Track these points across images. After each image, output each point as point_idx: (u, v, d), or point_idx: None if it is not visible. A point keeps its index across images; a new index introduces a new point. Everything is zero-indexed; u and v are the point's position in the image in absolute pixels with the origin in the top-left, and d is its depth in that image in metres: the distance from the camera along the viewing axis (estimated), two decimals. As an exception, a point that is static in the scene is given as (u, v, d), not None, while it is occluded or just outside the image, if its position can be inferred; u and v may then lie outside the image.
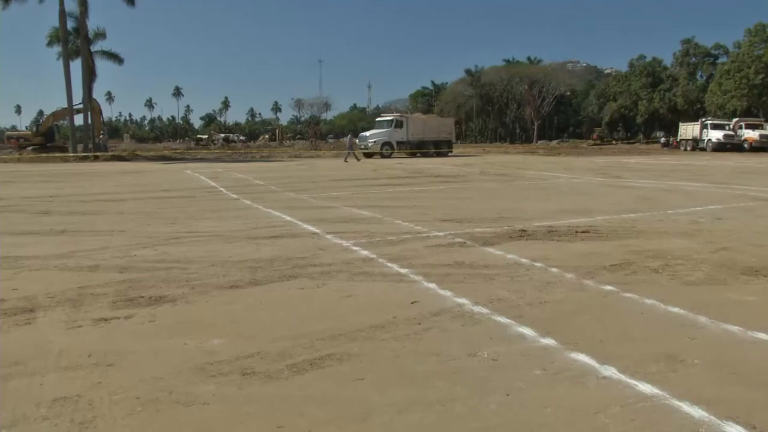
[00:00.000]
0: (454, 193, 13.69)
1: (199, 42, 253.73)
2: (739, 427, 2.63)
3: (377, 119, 45.24)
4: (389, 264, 5.82)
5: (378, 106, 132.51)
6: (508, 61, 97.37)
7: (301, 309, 4.42)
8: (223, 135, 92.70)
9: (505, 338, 3.76)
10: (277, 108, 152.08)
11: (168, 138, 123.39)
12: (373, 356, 3.48)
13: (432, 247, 6.67)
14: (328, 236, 7.41)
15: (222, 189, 15.03)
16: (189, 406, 2.86)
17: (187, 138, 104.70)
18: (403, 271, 5.53)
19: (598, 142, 72.39)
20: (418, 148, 40.88)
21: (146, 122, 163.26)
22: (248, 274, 5.45)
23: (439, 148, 41.68)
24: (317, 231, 7.81)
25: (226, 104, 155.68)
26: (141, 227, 8.36)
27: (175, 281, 5.19)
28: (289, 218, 9.12)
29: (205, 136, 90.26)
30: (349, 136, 37.75)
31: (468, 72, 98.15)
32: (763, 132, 47.50)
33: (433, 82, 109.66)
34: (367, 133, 41.71)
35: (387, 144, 39.40)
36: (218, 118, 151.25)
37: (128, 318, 4.21)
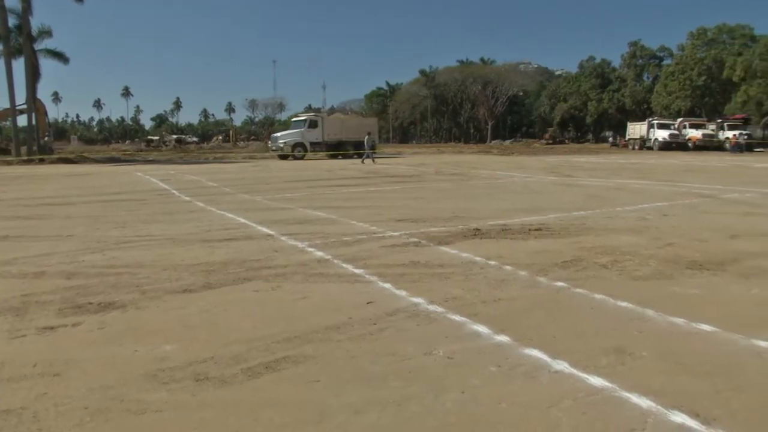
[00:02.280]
0: (409, 193, 13.77)
1: (149, 41, 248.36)
2: (684, 415, 2.72)
3: (292, 119, 43.93)
4: (344, 265, 5.81)
5: (333, 106, 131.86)
6: (462, 61, 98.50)
7: (256, 312, 4.37)
8: (175, 136, 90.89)
9: (461, 336, 3.80)
10: (230, 108, 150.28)
11: (117, 139, 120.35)
12: (329, 358, 3.46)
13: (387, 247, 6.69)
14: (283, 238, 7.35)
15: (174, 191, 14.75)
16: (140, 414, 2.79)
17: (137, 139, 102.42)
18: (358, 271, 5.53)
19: (551, 141, 73.88)
20: (336, 149, 39.43)
21: (94, 123, 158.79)
22: (201, 277, 5.36)
23: (360, 149, 39.45)
24: (272, 233, 7.74)
25: (177, 105, 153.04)
26: (89, 231, 8.13)
27: (125, 287, 5.07)
28: (243, 220, 9.01)
29: (156, 138, 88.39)
30: (367, 136, 35.18)
31: (422, 72, 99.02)
32: (705, 131, 49.32)
33: (388, 83, 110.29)
34: (279, 134, 40.47)
35: (299, 145, 38.16)
36: (170, 119, 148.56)
37: (76, 326, 4.09)
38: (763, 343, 3.64)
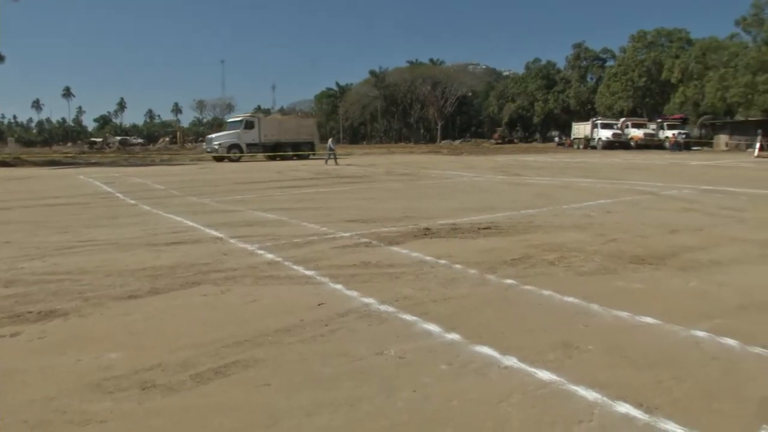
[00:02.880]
0: (360, 193, 13.77)
1: (90, 40, 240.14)
2: (628, 406, 2.81)
3: (228, 120, 42.81)
4: (295, 267, 5.76)
5: (283, 107, 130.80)
6: (411, 62, 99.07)
7: (205, 316, 4.29)
8: (119, 138, 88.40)
9: (412, 335, 3.82)
10: (177, 109, 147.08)
11: (58, 141, 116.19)
12: (280, 360, 3.43)
13: (338, 248, 6.67)
14: (232, 240, 7.25)
15: (119, 194, 14.35)
16: (84, 425, 2.70)
17: (79, 141, 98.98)
18: (309, 273, 5.50)
19: (500, 141, 75.12)
20: (274, 150, 38.61)
21: (33, 125, 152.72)
22: (147, 282, 5.22)
23: (298, 150, 39.77)
24: (221, 236, 7.61)
25: (122, 105, 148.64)
26: (29, 237, 7.82)
27: (67, 294, 4.90)
28: (191, 223, 8.83)
29: (100, 139, 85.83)
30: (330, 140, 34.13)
31: (372, 73, 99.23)
32: (647, 131, 51.04)
33: (338, 83, 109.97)
34: (214, 135, 39.30)
35: (235, 146, 37.23)
36: (114, 120, 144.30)
37: (15, 335, 3.93)
38: (701, 334, 3.79)
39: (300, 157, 38.80)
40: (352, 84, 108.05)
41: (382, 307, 4.40)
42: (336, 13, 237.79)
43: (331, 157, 30.25)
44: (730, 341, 3.65)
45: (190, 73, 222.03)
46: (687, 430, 2.59)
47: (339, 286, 5.01)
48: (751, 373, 3.20)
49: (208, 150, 37.73)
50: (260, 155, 38.45)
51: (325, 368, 3.31)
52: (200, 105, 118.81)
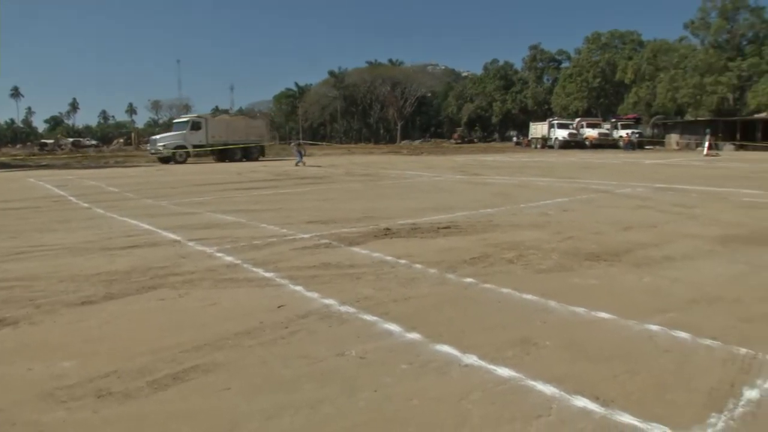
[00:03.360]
0: (320, 194, 13.72)
1: (40, 39, 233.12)
2: (585, 400, 2.87)
3: (174, 121, 40.91)
4: (255, 269, 5.71)
5: (241, 108, 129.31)
6: (371, 62, 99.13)
7: (162, 321, 4.21)
8: (71, 139, 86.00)
9: (373, 336, 3.82)
10: (132, 110, 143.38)
11: (6, 143, 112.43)
12: (240, 364, 3.39)
13: (298, 250, 6.63)
14: (190, 243, 7.13)
15: (71, 198, 13.96)
16: (35, 435, 2.62)
17: (29, 143, 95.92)
18: (269, 275, 5.45)
19: (460, 141, 75.82)
20: (223, 152, 37.64)
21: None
22: (102, 288, 5.10)
23: (248, 151, 38.96)
24: (178, 238, 7.48)
25: (74, 106, 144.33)
26: (-25, 243, 7.55)
27: (17, 301, 4.74)
28: (147, 226, 8.66)
29: (51, 141, 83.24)
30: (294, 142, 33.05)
31: (332, 73, 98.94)
32: (601, 130, 52.22)
33: (297, 84, 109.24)
34: (158, 136, 38.19)
35: (180, 148, 35.98)
36: (66, 121, 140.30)
37: (-39, 345, 3.79)
38: (654, 327, 3.90)
39: (249, 159, 37.97)
40: (311, 84, 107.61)
41: (343, 308, 4.39)
42: (295, 12, 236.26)
43: (301, 158, 29.74)
44: (682, 334, 3.77)
45: (146, 73, 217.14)
46: (641, 421, 2.67)
47: (299, 288, 4.98)
48: (701, 365, 3.30)
49: (152, 151, 36.49)
50: (208, 157, 37.64)
51: (286, 370, 3.29)
52: (156, 105, 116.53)
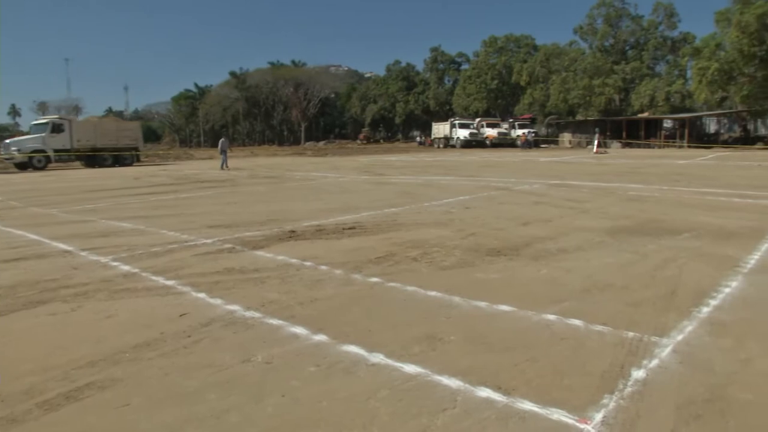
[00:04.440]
0: (223, 198, 13.37)
1: None
2: (488, 390, 2.98)
3: (32, 123, 36.99)
4: (154, 277, 5.48)
5: (137, 109, 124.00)
6: (273, 63, 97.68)
7: (53, 338, 3.96)
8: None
9: (279, 340, 3.77)
10: (15, 112, 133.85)
11: None
12: (139, 378, 3.25)
13: (200, 255, 6.43)
14: (83, 253, 6.74)
15: (-54, 209, 12.83)
16: None
17: None
18: (169, 283, 5.25)
19: (365, 141, 76.28)
20: (91, 157, 34.70)
21: None
22: (-17, 304, 4.72)
23: (119, 156, 36.11)
24: (70, 249, 7.05)
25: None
26: None
27: None
28: (34, 237, 8.09)
29: None
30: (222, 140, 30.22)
31: (233, 74, 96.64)
32: (500, 130, 54.17)
33: (196, 84, 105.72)
34: (12, 140, 34.80)
35: (39, 152, 32.75)
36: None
37: None
38: (551, 317, 4.09)
39: (122, 164, 35.43)
40: (211, 85, 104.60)
41: (248, 314, 4.30)
42: (192, 12, 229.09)
43: (224, 160, 27.93)
44: (577, 322, 3.98)
45: (30, 73, 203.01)
46: (541, 406, 2.79)
47: (202, 295, 4.83)
48: (594, 350, 3.50)
49: (6, 157, 33.05)
50: (76, 163, 34.97)
51: (189, 381, 3.18)
52: (42, 107, 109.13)
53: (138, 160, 38.20)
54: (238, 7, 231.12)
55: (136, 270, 5.80)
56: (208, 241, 7.30)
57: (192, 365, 3.40)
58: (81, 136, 34.73)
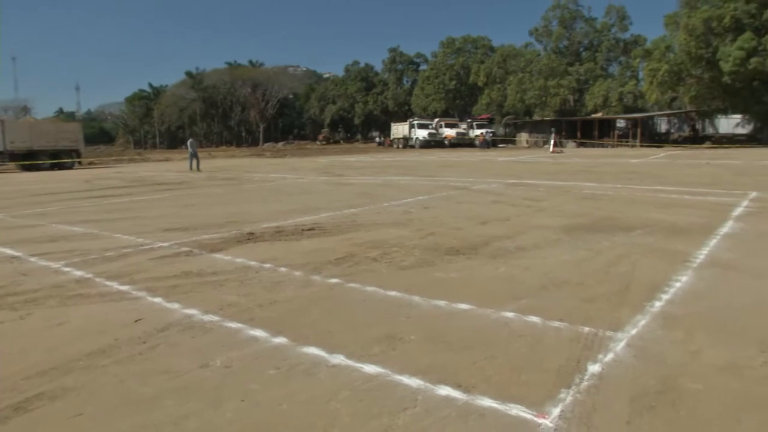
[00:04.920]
0: (179, 200, 13.12)
1: None
2: (448, 388, 3.00)
3: None
4: (108, 282, 5.34)
5: (90, 110, 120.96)
6: (230, 63, 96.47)
7: (0, 347, 3.82)
8: None
9: (238, 343, 3.72)
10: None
11: None
12: (93, 386, 3.16)
13: (156, 259, 6.30)
14: (33, 259, 6.52)
15: None
16: None
17: None
18: (124, 288, 5.12)
19: (325, 142, 76.03)
20: (26, 159, 32.59)
21: None
22: (-74, 314, 4.53)
23: (58, 158, 34.09)
24: (18, 254, 6.82)
25: None
26: None
27: None
28: (-20, 243, 7.80)
29: None
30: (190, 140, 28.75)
31: (189, 74, 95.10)
32: (459, 130, 54.72)
33: (151, 85, 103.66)
34: None
35: None
36: None
37: None
38: (509, 314, 4.14)
39: (61, 167, 33.72)
40: (167, 86, 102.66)
41: (206, 317, 4.23)
42: (144, 11, 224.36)
43: (194, 160, 26.76)
44: (534, 318, 4.04)
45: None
46: (500, 403, 2.82)
47: (158, 300, 4.74)
48: (551, 346, 3.55)
49: None
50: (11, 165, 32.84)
51: (145, 388, 3.11)
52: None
53: (80, 164, 36.52)
54: (193, 6, 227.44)
55: (89, 275, 5.65)
56: (165, 244, 7.16)
57: (148, 371, 3.33)
58: (15, 137, 32.81)
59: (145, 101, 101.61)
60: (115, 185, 18.84)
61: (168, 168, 30.22)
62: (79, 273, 5.76)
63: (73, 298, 4.89)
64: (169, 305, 4.58)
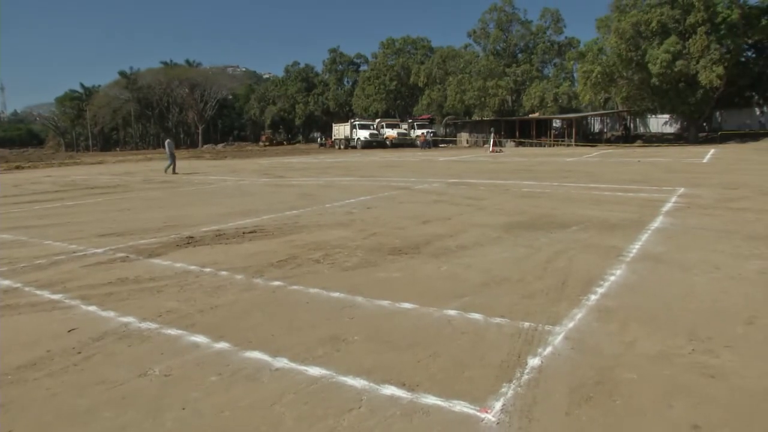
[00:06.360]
0: (114, 204, 12.69)
1: None
2: (393, 387, 3.02)
3: None
4: (39, 292, 5.12)
5: (16, 111, 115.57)
6: (166, 63, 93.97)
7: None
8: None
9: (178, 350, 3.64)
10: None
11: None
12: (24, 401, 3.03)
13: (90, 266, 6.08)
14: (-44, 269, 6.19)
15: None
16: None
17: None
18: (56, 297, 4.93)
19: (268, 143, 75.05)
20: None
21: None
22: None
23: None
24: (-60, 264, 6.46)
25: None
26: None
27: None
28: None
29: None
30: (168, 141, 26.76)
31: (122, 74, 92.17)
32: (400, 130, 54.99)
33: (82, 85, 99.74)
34: None
35: None
36: None
37: None
38: (452, 312, 4.20)
39: None
40: (99, 86, 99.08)
41: (144, 325, 4.12)
42: (74, 10, 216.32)
43: (171, 163, 25.20)
44: (476, 315, 4.11)
45: None
46: (444, 400, 2.86)
47: (93, 308, 4.58)
48: (493, 341, 3.62)
49: None
50: None
51: (81, 400, 3.00)
52: None
53: None
54: (125, 5, 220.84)
55: (17, 285, 5.40)
56: (99, 250, 6.92)
57: (83, 383, 3.21)
58: None
59: (77, 102, 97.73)
60: (46, 189, 18.06)
61: (101, 171, 29.21)
62: (6, 282, 5.51)
63: (1, 309, 4.67)
64: (104, 314, 4.43)
